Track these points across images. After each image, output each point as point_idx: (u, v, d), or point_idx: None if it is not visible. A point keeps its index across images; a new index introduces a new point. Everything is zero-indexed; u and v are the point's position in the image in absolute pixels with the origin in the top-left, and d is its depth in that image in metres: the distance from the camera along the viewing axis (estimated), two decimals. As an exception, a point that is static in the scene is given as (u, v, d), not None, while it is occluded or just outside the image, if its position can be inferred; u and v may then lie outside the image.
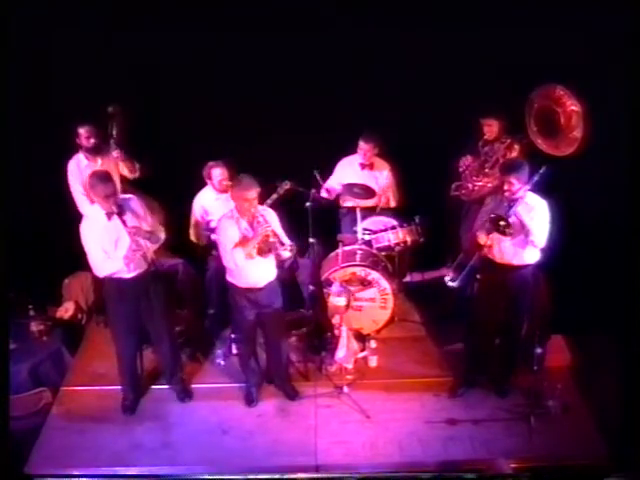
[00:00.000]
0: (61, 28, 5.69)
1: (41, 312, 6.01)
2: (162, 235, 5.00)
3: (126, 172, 5.69)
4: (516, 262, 4.96)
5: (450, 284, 4.98)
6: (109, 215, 4.73)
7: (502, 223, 4.71)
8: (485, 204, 5.08)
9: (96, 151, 5.64)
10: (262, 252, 4.83)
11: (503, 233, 4.75)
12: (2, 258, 4.45)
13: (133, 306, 5.01)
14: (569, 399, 5.19)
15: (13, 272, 4.55)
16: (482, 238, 4.89)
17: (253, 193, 4.73)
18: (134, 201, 4.91)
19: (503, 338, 5.31)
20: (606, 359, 5.35)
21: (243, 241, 4.79)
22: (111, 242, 4.77)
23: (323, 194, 6.07)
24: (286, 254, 4.85)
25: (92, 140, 5.60)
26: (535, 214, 4.81)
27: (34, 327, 5.79)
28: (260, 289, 4.99)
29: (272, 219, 4.91)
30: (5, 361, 4.54)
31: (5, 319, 4.57)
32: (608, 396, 5.03)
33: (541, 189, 4.95)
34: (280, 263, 5.06)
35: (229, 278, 5.03)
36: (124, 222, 4.69)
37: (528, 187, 4.82)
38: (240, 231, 4.82)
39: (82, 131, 5.59)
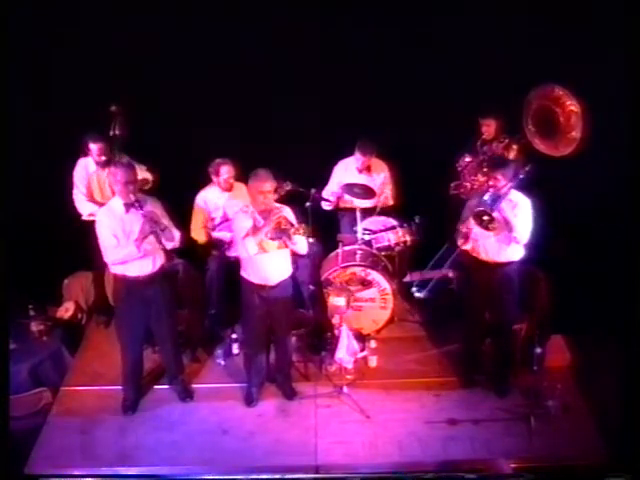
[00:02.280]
0: (61, 28, 5.70)
1: (41, 312, 6.00)
2: (177, 235, 4.99)
3: (146, 173, 5.71)
4: (500, 259, 5.01)
5: (417, 295, 5.03)
6: (127, 207, 4.77)
7: (486, 218, 4.76)
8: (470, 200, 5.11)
9: (105, 165, 5.63)
10: (275, 238, 4.80)
11: (486, 228, 4.79)
12: (2, 258, 4.45)
13: (141, 307, 5.04)
14: (569, 399, 5.19)
15: (13, 272, 4.55)
16: (460, 242, 5.01)
17: (268, 185, 4.77)
18: (154, 201, 4.97)
19: (496, 337, 5.33)
20: (606, 359, 5.35)
21: (255, 230, 4.80)
22: (124, 232, 4.80)
23: (327, 199, 6.08)
24: (301, 239, 4.83)
25: (103, 157, 5.60)
26: (519, 211, 4.87)
27: (34, 327, 5.79)
28: (272, 287, 5.00)
29: (287, 212, 4.92)
30: (5, 361, 4.54)
31: (5, 319, 4.57)
32: (608, 396, 5.03)
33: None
34: (296, 257, 5.08)
35: (242, 273, 5.03)
36: (140, 206, 4.73)
37: (513, 184, 4.86)
38: (253, 221, 4.83)
39: (94, 148, 5.58)
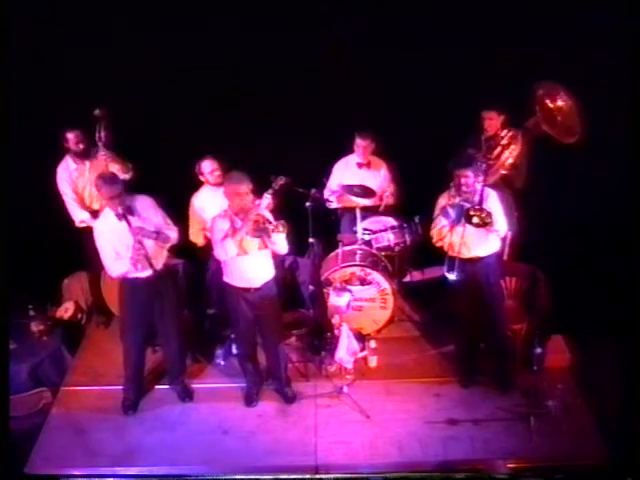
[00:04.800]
0: (54, 29, 5.70)
1: (41, 312, 6.01)
2: (173, 234, 5.00)
3: (119, 173, 5.67)
4: (481, 254, 5.07)
5: (451, 277, 5.07)
6: (119, 217, 4.77)
7: (483, 215, 4.80)
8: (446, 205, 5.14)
9: (84, 155, 5.68)
10: (255, 235, 4.80)
11: (485, 224, 4.81)
12: (2, 258, 4.45)
13: (145, 305, 5.05)
14: (569, 399, 5.18)
15: (13, 272, 4.55)
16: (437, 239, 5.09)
17: (244, 187, 4.76)
18: (143, 201, 4.94)
19: (489, 335, 5.33)
20: (606, 359, 5.35)
21: (233, 231, 4.80)
22: (122, 243, 4.80)
23: (330, 199, 6.12)
24: (280, 237, 4.83)
25: (81, 145, 5.64)
26: (491, 203, 4.94)
27: (34, 327, 5.79)
28: (257, 289, 5.00)
29: (264, 205, 4.92)
30: (5, 361, 4.54)
31: (5, 319, 4.57)
32: (608, 396, 5.04)
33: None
34: (278, 259, 5.06)
35: (226, 278, 5.04)
36: (129, 223, 4.73)
37: (482, 178, 4.94)
38: (230, 224, 4.84)
39: (71, 136, 5.61)
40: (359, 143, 6.04)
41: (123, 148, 5.73)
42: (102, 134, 5.52)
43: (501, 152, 5.67)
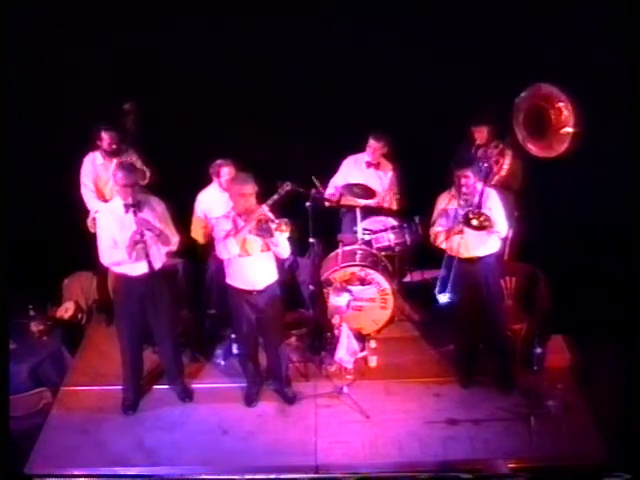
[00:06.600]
0: (54, 29, 5.71)
1: (41, 312, 6.01)
2: (174, 239, 5.03)
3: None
4: (481, 254, 5.07)
5: (442, 299, 5.08)
6: (126, 207, 4.79)
7: (482, 219, 4.81)
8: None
9: (114, 154, 5.72)
10: (258, 234, 4.80)
11: (483, 228, 4.82)
12: (2, 258, 4.46)
13: (139, 305, 5.05)
14: (569, 399, 5.18)
15: (13, 272, 4.55)
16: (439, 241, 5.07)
17: (249, 188, 4.78)
18: (155, 202, 4.98)
19: (490, 335, 5.34)
20: (606, 359, 5.35)
21: (235, 231, 4.81)
22: (122, 234, 4.81)
23: (330, 190, 6.11)
24: (283, 239, 4.84)
25: (114, 146, 5.70)
26: (492, 203, 4.94)
27: (34, 327, 5.79)
28: (260, 292, 5.00)
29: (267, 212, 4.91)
30: (5, 361, 4.54)
31: (5, 319, 4.57)
32: (608, 396, 5.03)
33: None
34: (281, 262, 5.09)
35: (229, 280, 5.04)
36: (135, 212, 4.76)
37: (482, 180, 4.94)
38: (233, 224, 4.85)
39: (106, 136, 5.67)
40: (372, 144, 6.04)
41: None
42: (129, 127, 5.57)
43: (491, 168, 5.68)
